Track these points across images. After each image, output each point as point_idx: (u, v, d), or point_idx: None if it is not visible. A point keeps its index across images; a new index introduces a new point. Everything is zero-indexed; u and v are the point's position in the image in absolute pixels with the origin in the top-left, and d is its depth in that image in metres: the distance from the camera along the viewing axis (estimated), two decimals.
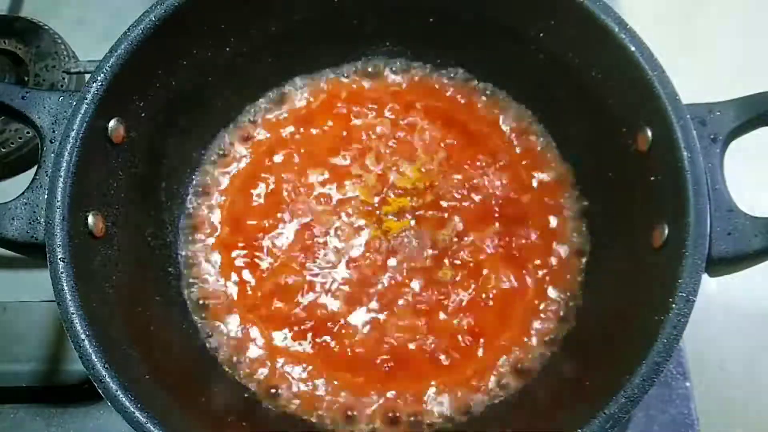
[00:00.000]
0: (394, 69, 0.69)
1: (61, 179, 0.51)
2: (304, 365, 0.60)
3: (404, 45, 0.68)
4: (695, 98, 0.52)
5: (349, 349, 0.60)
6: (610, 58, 0.55)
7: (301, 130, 0.67)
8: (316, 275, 0.62)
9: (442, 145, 0.66)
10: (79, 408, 0.64)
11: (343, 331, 0.60)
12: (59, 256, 0.49)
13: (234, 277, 0.63)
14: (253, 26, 0.63)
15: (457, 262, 0.62)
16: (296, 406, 0.59)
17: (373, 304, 0.61)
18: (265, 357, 0.60)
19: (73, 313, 0.48)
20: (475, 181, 0.64)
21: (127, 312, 0.54)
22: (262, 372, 0.60)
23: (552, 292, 0.61)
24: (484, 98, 0.68)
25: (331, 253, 0.63)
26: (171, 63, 0.59)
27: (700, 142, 0.50)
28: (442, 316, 0.60)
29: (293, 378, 0.59)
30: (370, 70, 0.69)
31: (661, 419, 0.62)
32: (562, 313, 0.60)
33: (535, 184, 0.64)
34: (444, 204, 0.64)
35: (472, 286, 0.61)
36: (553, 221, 0.63)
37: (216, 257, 0.64)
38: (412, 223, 0.63)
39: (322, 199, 0.65)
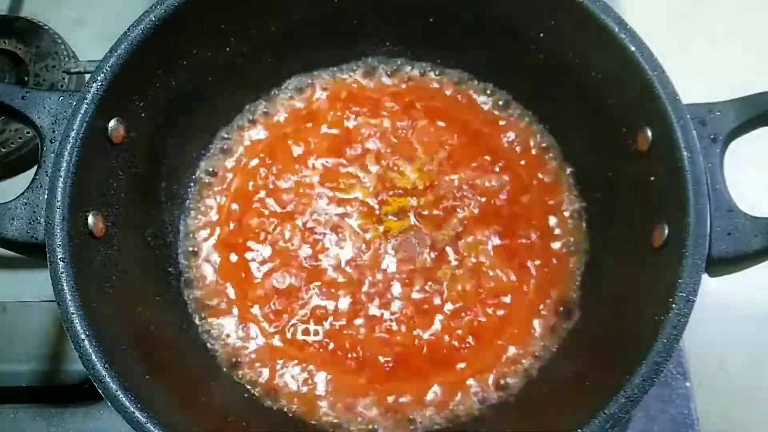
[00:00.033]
0: (393, 69, 0.69)
1: (61, 179, 0.51)
2: (304, 365, 0.60)
3: (404, 45, 0.68)
4: (695, 98, 0.52)
5: (349, 349, 0.60)
6: (610, 58, 0.55)
7: (301, 130, 0.67)
8: (316, 275, 0.62)
9: (442, 145, 0.66)
10: (79, 408, 0.64)
11: (343, 330, 0.60)
12: (59, 256, 0.49)
13: (234, 277, 0.63)
14: (253, 26, 0.63)
15: (457, 261, 0.62)
16: (296, 406, 0.59)
17: (373, 304, 0.61)
18: (265, 357, 0.60)
19: (73, 313, 0.48)
20: (474, 181, 0.64)
21: (127, 312, 0.54)
22: (262, 372, 0.60)
23: (552, 292, 0.61)
24: (484, 98, 0.68)
25: (331, 252, 0.63)
26: (171, 63, 0.59)
27: (700, 142, 0.50)
28: (441, 316, 0.60)
29: (293, 378, 0.59)
30: (370, 70, 0.69)
31: (661, 419, 0.62)
32: (561, 313, 0.60)
33: (535, 183, 0.64)
34: (444, 204, 0.64)
35: (472, 285, 0.61)
36: (553, 221, 0.63)
37: (216, 257, 0.64)
38: (412, 223, 0.63)
39: (322, 199, 0.65)
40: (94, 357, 0.47)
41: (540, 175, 0.65)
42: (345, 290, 0.61)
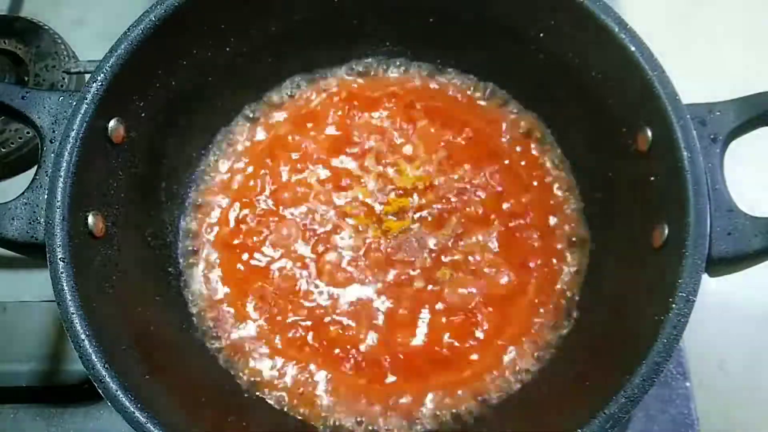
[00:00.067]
0: (394, 69, 0.69)
1: (61, 179, 0.51)
2: (304, 365, 0.60)
3: (404, 45, 0.68)
4: (695, 98, 0.52)
5: (349, 349, 0.60)
6: (610, 58, 0.55)
7: (301, 130, 0.67)
8: (317, 276, 0.62)
9: (442, 144, 0.66)
10: (79, 408, 0.64)
11: (343, 331, 0.60)
12: (59, 256, 0.49)
13: (234, 276, 0.63)
14: (253, 26, 0.63)
15: (457, 262, 0.62)
16: (296, 406, 0.59)
17: (373, 304, 0.61)
18: (266, 357, 0.60)
19: (73, 313, 0.48)
20: (475, 181, 0.64)
21: (127, 312, 0.54)
22: (262, 372, 0.60)
23: (552, 292, 0.61)
24: (484, 98, 0.68)
25: (331, 252, 0.63)
26: (171, 63, 0.59)
27: (700, 142, 0.50)
28: (441, 316, 0.60)
29: (293, 378, 0.59)
30: (370, 70, 0.69)
31: (661, 419, 0.62)
32: (562, 313, 0.60)
33: (535, 183, 0.64)
34: (444, 204, 0.64)
35: (472, 286, 0.61)
36: (553, 221, 0.63)
37: (216, 257, 0.64)
38: (412, 223, 0.63)
39: (322, 199, 0.65)
40: (94, 357, 0.47)
41: (540, 176, 0.65)
42: (345, 290, 0.61)
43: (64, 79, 0.73)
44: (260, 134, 0.68)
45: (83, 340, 0.47)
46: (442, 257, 0.62)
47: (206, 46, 0.61)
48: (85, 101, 0.52)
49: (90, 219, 0.53)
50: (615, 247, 0.59)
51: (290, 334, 0.61)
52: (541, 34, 0.60)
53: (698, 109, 0.52)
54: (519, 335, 0.60)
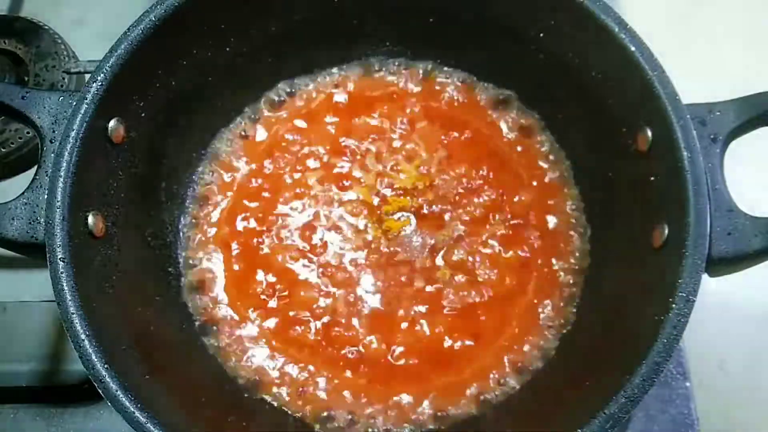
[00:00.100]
0: (394, 69, 0.69)
1: (61, 179, 0.51)
2: (304, 365, 0.60)
3: (404, 45, 0.68)
4: (695, 98, 0.52)
5: (349, 349, 0.60)
6: (610, 58, 0.55)
7: (301, 130, 0.67)
8: (317, 275, 0.62)
9: (442, 144, 0.66)
10: (79, 408, 0.64)
11: (343, 331, 0.60)
12: (59, 256, 0.49)
13: (234, 276, 0.63)
14: (253, 26, 0.63)
15: (457, 261, 0.62)
16: (296, 406, 0.59)
17: (373, 304, 0.61)
18: (266, 357, 0.60)
19: (73, 313, 0.48)
20: (474, 181, 0.64)
21: (127, 312, 0.54)
22: (262, 372, 0.60)
23: (552, 292, 0.61)
24: (484, 98, 0.68)
25: (331, 252, 0.63)
26: (171, 63, 0.59)
27: (700, 142, 0.50)
28: (441, 316, 0.60)
29: (293, 378, 0.59)
30: (370, 70, 0.69)
31: (661, 419, 0.62)
32: (561, 313, 0.60)
33: (535, 184, 0.64)
34: (444, 204, 0.64)
35: (472, 285, 0.61)
36: (553, 221, 0.63)
37: (216, 257, 0.64)
38: (413, 222, 0.63)
39: (322, 199, 0.65)
40: (94, 357, 0.47)
41: (540, 175, 0.65)
42: (345, 290, 0.61)
43: (64, 79, 0.73)
44: (260, 134, 0.68)
45: (83, 340, 0.47)
46: (442, 257, 0.62)
47: (206, 46, 0.61)
48: (85, 101, 0.52)
49: (90, 219, 0.53)
50: (615, 247, 0.59)
51: (290, 334, 0.60)
52: (541, 34, 0.60)
53: (698, 109, 0.52)
54: (519, 335, 0.60)
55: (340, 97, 0.68)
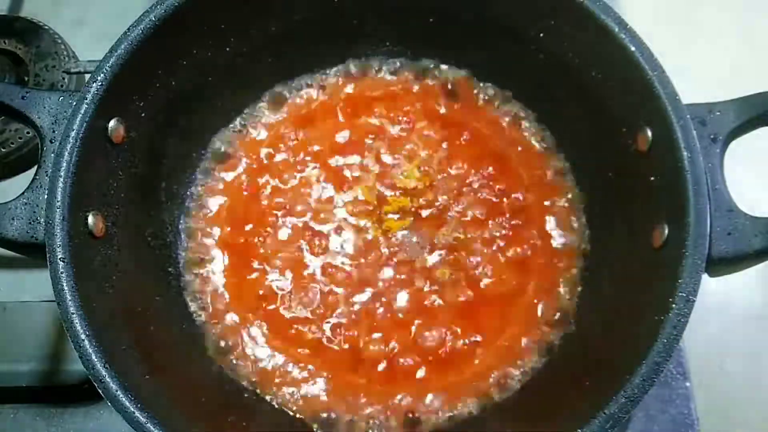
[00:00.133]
0: (394, 69, 0.69)
1: (61, 179, 0.51)
2: (304, 365, 0.60)
3: (404, 45, 0.68)
4: (695, 98, 0.52)
5: (349, 349, 0.60)
6: (610, 58, 0.55)
7: (301, 130, 0.67)
8: (317, 275, 0.62)
9: (442, 144, 0.66)
10: (79, 408, 0.64)
11: (343, 331, 0.60)
12: (59, 256, 0.49)
13: (234, 276, 0.63)
14: (253, 26, 0.63)
15: (457, 261, 0.62)
16: (297, 406, 0.59)
17: (374, 304, 0.61)
18: (266, 357, 0.60)
19: (73, 313, 0.48)
20: (474, 180, 0.64)
21: (127, 312, 0.54)
22: (262, 372, 0.60)
23: (552, 292, 0.61)
24: (484, 98, 0.68)
25: (331, 252, 0.63)
26: (171, 63, 0.59)
27: (700, 142, 0.50)
28: (441, 315, 0.60)
29: (293, 378, 0.59)
30: (370, 70, 0.69)
31: (661, 419, 0.62)
32: (561, 313, 0.60)
33: (535, 183, 0.64)
34: (444, 204, 0.64)
35: (472, 285, 0.61)
36: (553, 221, 0.63)
37: (216, 257, 0.64)
38: (413, 222, 0.63)
39: (322, 199, 0.65)
40: (94, 357, 0.47)
41: (540, 175, 0.65)
42: (345, 290, 0.61)
43: (64, 79, 0.73)
44: (260, 134, 0.68)
45: (83, 340, 0.47)
46: (442, 257, 0.62)
47: (206, 46, 0.61)
48: (85, 101, 0.52)
49: (90, 219, 0.53)
50: (615, 247, 0.59)
51: (290, 334, 0.60)
52: (541, 34, 0.60)
53: (698, 109, 0.52)
54: (519, 335, 0.60)
55: (340, 97, 0.68)
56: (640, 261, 0.53)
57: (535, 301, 0.61)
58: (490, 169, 0.65)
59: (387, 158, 0.66)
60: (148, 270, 0.60)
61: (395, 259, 0.62)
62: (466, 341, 0.60)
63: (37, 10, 0.82)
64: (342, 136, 0.67)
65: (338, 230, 0.63)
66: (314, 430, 0.58)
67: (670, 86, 0.51)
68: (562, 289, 0.61)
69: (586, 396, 0.49)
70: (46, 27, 0.76)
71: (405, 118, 0.67)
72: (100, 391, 0.47)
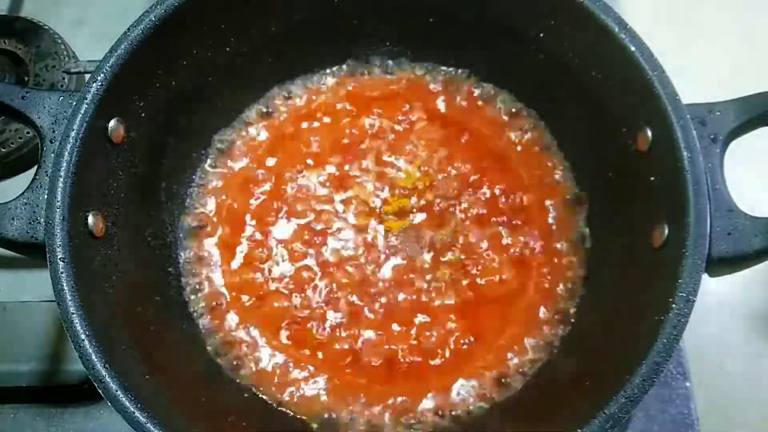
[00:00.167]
0: (393, 69, 0.69)
1: (61, 179, 0.51)
2: (304, 365, 0.60)
3: (404, 45, 0.68)
4: (695, 98, 0.52)
5: (349, 350, 0.60)
6: (610, 58, 0.55)
7: (301, 130, 0.67)
8: (317, 275, 0.62)
9: (442, 144, 0.66)
10: (79, 408, 0.64)
11: (343, 331, 0.60)
12: (59, 256, 0.49)
13: (234, 277, 0.63)
14: (253, 26, 0.63)
15: (457, 261, 0.62)
16: (296, 406, 0.59)
17: (374, 304, 0.61)
18: (266, 357, 0.60)
19: (73, 313, 0.48)
20: (474, 180, 0.64)
21: (127, 312, 0.54)
22: (262, 372, 0.60)
23: (552, 292, 0.61)
24: (484, 98, 0.68)
25: (331, 252, 0.63)
26: (171, 63, 0.59)
27: (700, 142, 0.50)
28: (441, 315, 0.60)
29: (293, 378, 0.59)
30: (370, 70, 0.69)
31: (661, 419, 0.62)
32: (561, 313, 0.60)
33: (535, 183, 0.64)
34: (444, 204, 0.64)
35: (472, 285, 0.61)
36: (553, 221, 0.63)
37: (216, 257, 0.64)
38: (413, 222, 0.63)
39: (322, 199, 0.65)
40: (94, 357, 0.47)
41: (540, 175, 0.65)
42: (345, 290, 0.61)
43: (64, 79, 0.73)
44: (260, 134, 0.68)
45: (83, 340, 0.47)
46: (442, 257, 0.62)
47: (206, 46, 0.61)
48: (85, 101, 0.52)
49: (90, 219, 0.53)
50: (615, 247, 0.59)
51: (290, 335, 0.61)
52: (541, 34, 0.60)
53: (698, 109, 0.52)
54: (519, 335, 0.60)
55: (340, 97, 0.68)
56: (640, 261, 0.53)
57: (536, 300, 0.61)
58: (490, 169, 0.65)
59: (387, 158, 0.66)
60: (148, 270, 0.60)
61: (395, 259, 0.62)
62: (466, 341, 0.60)
63: (37, 10, 0.82)
64: (342, 136, 0.67)
65: (338, 230, 0.63)
66: (314, 430, 0.58)
67: (670, 86, 0.51)
68: (562, 289, 0.61)
69: (586, 396, 0.49)
70: (46, 27, 0.76)
71: (405, 118, 0.67)
72: (100, 391, 0.47)
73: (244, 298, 0.62)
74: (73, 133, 0.52)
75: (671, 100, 0.51)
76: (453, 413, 0.58)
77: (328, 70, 0.69)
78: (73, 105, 0.53)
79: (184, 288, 0.63)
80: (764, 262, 0.50)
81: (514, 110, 0.67)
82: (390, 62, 0.69)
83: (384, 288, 0.61)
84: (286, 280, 0.62)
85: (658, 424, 0.62)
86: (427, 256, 0.62)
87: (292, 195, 0.65)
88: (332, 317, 0.61)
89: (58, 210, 0.50)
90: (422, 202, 0.64)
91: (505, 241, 0.62)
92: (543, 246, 0.62)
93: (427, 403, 0.58)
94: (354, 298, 0.61)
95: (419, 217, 0.63)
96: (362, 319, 0.61)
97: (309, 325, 0.61)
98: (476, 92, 0.68)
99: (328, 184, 0.65)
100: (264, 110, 0.68)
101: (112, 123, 0.55)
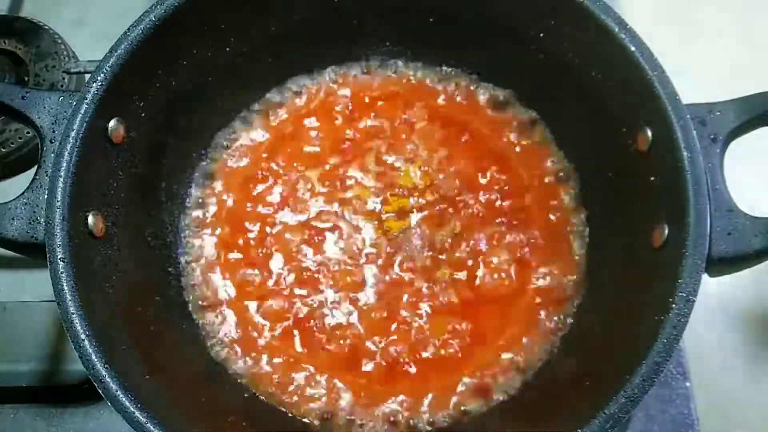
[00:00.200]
0: (394, 69, 0.69)
1: (61, 179, 0.51)
2: (304, 365, 0.60)
3: (404, 45, 0.68)
4: (695, 98, 0.52)
5: (349, 350, 0.60)
6: (610, 58, 0.55)
7: (301, 130, 0.67)
8: (317, 275, 0.62)
9: (443, 144, 0.66)
10: (79, 408, 0.64)
11: (343, 331, 0.60)
12: (59, 256, 0.49)
13: (234, 276, 0.63)
14: (253, 26, 0.63)
15: (457, 261, 0.62)
16: (297, 406, 0.59)
17: (374, 304, 0.61)
18: (265, 357, 0.60)
19: (73, 313, 0.48)
20: (475, 180, 0.64)
21: (127, 312, 0.54)
22: (263, 372, 0.60)
23: (552, 292, 0.61)
24: (484, 98, 0.68)
25: (331, 252, 0.63)
26: (171, 63, 0.59)
27: (700, 142, 0.50)
28: (441, 316, 0.60)
29: (293, 378, 0.59)
30: (370, 70, 0.69)
31: (661, 419, 0.62)
32: (561, 313, 0.60)
33: (535, 183, 0.64)
34: (444, 204, 0.64)
35: (472, 285, 0.61)
36: (553, 221, 0.63)
37: (216, 257, 0.64)
38: (413, 222, 0.63)
39: (322, 199, 0.65)
40: (94, 357, 0.47)
41: (540, 175, 0.65)
42: (345, 290, 0.61)
43: (64, 79, 0.73)
44: (260, 134, 0.68)
45: (83, 340, 0.47)
46: (442, 257, 0.62)
47: (206, 46, 0.61)
48: (85, 101, 0.52)
49: (90, 219, 0.53)
50: (615, 248, 0.59)
51: (290, 335, 0.60)
52: (541, 34, 0.60)
53: (698, 109, 0.52)
54: (519, 335, 0.60)
55: (340, 97, 0.68)
56: (640, 261, 0.53)
57: (535, 301, 0.61)
58: (490, 169, 0.65)
59: (387, 158, 0.66)
60: (148, 270, 0.60)
61: (395, 259, 0.62)
62: (466, 341, 0.60)
63: (37, 10, 0.82)
64: (342, 137, 0.67)
65: (338, 230, 0.63)
66: (314, 430, 0.58)
67: (670, 86, 0.51)
68: (561, 289, 0.61)
69: (586, 396, 0.49)
70: (46, 27, 0.76)
71: (405, 118, 0.67)
72: (100, 391, 0.47)
73: (244, 298, 0.62)
74: (73, 133, 0.52)
75: (671, 100, 0.51)
76: (453, 413, 0.58)
77: (327, 71, 0.69)
78: (73, 105, 0.53)
79: (184, 288, 0.63)
80: (764, 262, 0.50)
81: (514, 110, 0.67)
82: (390, 62, 0.69)
83: (384, 288, 0.61)
84: (286, 280, 0.62)
85: (658, 424, 0.62)
86: (427, 256, 0.62)
87: (292, 195, 0.65)
88: (332, 317, 0.61)
89: (58, 210, 0.50)
90: (422, 202, 0.64)
91: (505, 241, 0.62)
92: (543, 246, 0.62)
93: (427, 403, 0.58)
94: (354, 298, 0.61)
95: (419, 217, 0.63)
96: (362, 320, 0.61)
97: (309, 325, 0.61)
98: (476, 92, 0.68)
99: (328, 184, 0.65)
100: (264, 110, 0.68)
101: (112, 123, 0.55)
